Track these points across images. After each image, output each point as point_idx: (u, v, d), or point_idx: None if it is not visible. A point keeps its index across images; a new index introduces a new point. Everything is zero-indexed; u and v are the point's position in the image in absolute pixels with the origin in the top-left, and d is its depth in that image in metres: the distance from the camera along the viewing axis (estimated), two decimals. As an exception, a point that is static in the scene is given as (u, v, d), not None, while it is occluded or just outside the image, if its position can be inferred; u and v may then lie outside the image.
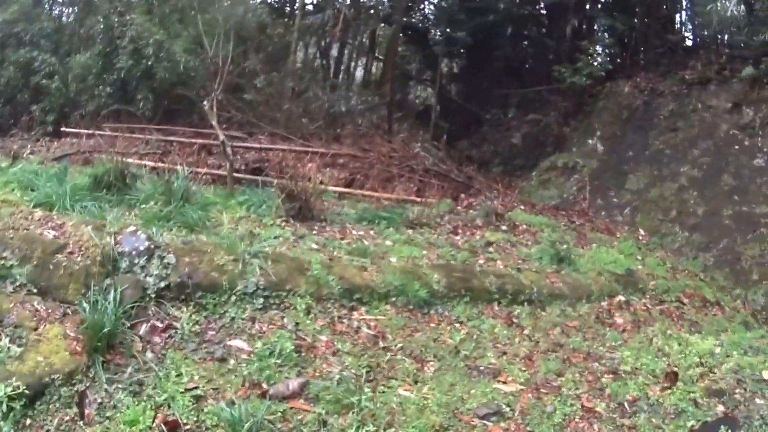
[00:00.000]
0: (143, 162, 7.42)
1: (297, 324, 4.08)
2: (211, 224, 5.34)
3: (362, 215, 6.68)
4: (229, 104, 10.70)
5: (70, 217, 4.71)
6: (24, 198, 6.26)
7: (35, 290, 3.71)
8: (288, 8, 15.44)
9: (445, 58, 15.46)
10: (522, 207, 9.04)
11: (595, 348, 4.81)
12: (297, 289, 4.32)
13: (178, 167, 6.34)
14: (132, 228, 4.32)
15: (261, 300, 4.14)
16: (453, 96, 15.80)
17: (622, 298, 5.98)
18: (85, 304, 3.55)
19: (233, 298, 4.08)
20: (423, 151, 9.83)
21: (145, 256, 4.04)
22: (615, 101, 11.33)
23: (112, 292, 3.65)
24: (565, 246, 6.64)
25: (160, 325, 3.74)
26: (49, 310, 3.59)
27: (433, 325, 4.64)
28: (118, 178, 6.30)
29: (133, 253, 4.06)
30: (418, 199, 8.14)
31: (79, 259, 3.89)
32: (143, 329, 3.68)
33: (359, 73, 17.07)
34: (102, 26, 12.55)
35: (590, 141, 11.19)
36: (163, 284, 3.94)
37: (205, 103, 8.13)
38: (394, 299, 4.69)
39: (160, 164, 8.56)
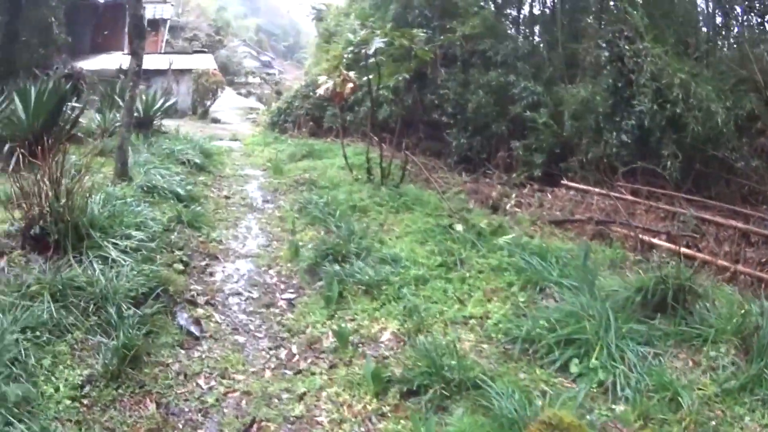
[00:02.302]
0: (672, 246, 5.72)
1: None
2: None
3: None
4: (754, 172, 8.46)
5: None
6: (534, 312, 4.42)
7: None
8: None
9: None
10: None
11: None
12: None
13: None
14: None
15: None
16: None
17: None
18: None
19: None
20: None
21: None
22: None
23: None
24: None
25: None
26: None
27: None
28: (677, 296, 4.22)
29: None
30: None
31: None
32: None
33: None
34: (606, 54, 10.16)
35: None
36: None
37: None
38: None
39: (702, 255, 6.62)
